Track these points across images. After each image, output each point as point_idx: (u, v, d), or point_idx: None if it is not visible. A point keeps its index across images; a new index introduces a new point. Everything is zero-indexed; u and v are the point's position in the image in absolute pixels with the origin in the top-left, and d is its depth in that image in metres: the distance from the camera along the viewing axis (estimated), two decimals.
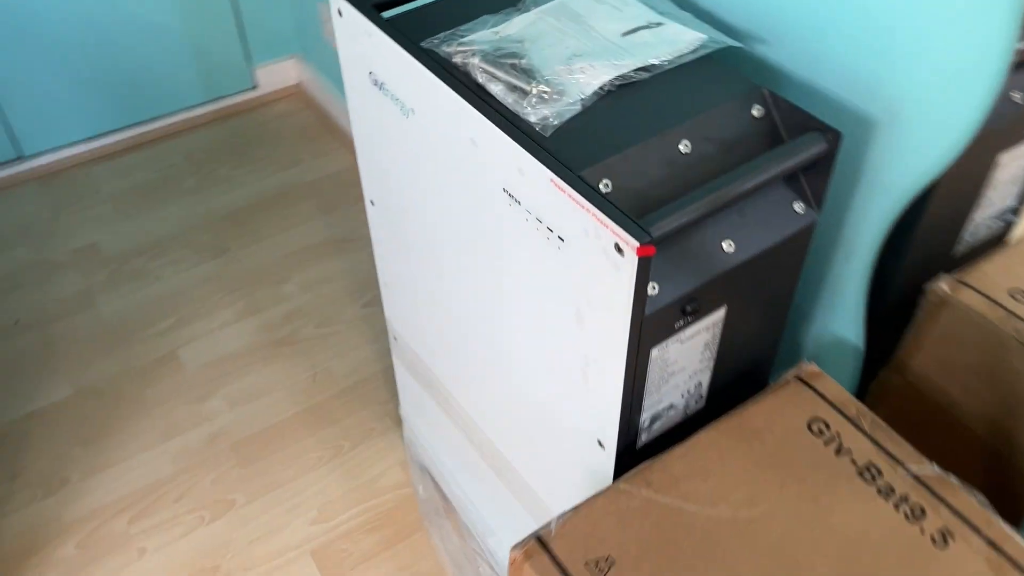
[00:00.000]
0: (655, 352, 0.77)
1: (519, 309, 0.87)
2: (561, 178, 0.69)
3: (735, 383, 0.91)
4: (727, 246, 0.75)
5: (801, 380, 0.86)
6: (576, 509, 0.76)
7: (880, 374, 0.94)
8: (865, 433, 0.80)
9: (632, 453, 0.87)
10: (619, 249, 0.66)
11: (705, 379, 0.87)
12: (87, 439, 1.51)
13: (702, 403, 0.89)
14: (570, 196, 0.68)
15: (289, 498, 1.42)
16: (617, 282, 0.69)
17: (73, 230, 1.86)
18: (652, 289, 0.71)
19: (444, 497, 1.36)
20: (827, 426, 0.81)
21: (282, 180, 1.98)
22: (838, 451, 0.79)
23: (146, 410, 1.55)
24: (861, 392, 0.95)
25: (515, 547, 0.76)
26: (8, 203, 1.93)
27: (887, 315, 0.90)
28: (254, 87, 2.16)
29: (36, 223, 1.88)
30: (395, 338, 1.27)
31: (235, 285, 1.74)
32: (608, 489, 0.78)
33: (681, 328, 0.76)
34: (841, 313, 0.94)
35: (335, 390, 1.55)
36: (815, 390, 0.85)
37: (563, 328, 0.81)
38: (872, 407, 0.83)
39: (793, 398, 0.84)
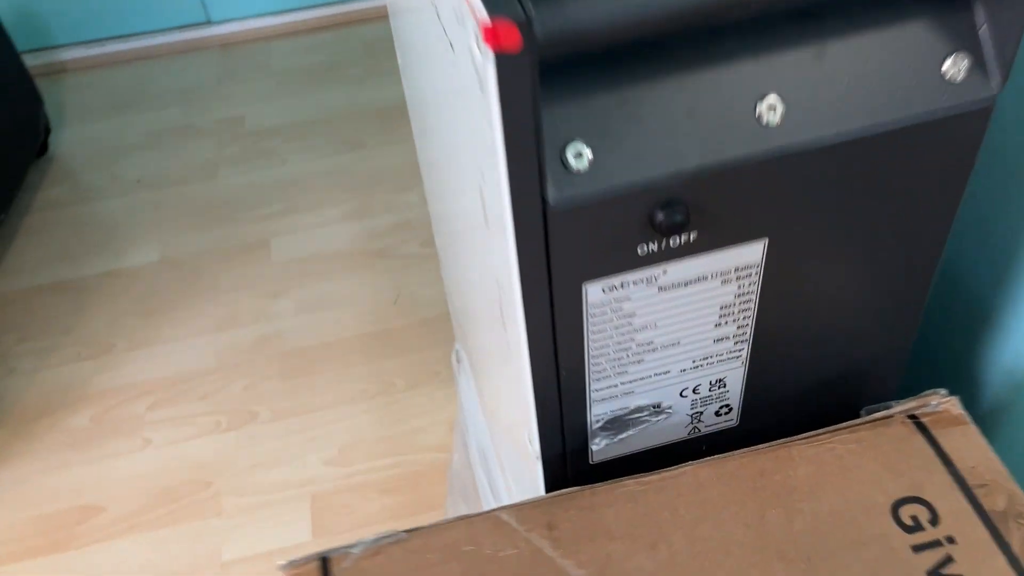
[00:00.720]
0: (594, 292, 0.42)
1: (460, 192, 0.55)
2: None
3: (795, 397, 0.53)
4: (769, 110, 0.39)
5: (917, 423, 0.47)
6: (403, 538, 0.44)
7: None
8: (1010, 555, 0.40)
9: (578, 469, 0.52)
10: (479, 44, 0.33)
11: (731, 374, 0.50)
12: (149, 310, 1.38)
13: (731, 419, 0.53)
14: None
15: (314, 427, 1.19)
16: (484, 113, 0.35)
17: (228, 100, 1.75)
18: (575, 155, 0.37)
19: (473, 477, 1.06)
20: (934, 518, 0.42)
21: None
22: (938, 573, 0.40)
23: (216, 294, 1.39)
24: None
25: (292, 563, 0.45)
26: (183, 66, 1.85)
27: None
28: None
29: (199, 88, 1.79)
30: None
31: (356, 183, 1.52)
32: (466, 519, 0.46)
33: (655, 256, 0.41)
34: None
35: (412, 319, 1.29)
36: (937, 447, 0.46)
37: (474, 223, 0.49)
38: None
39: (891, 450, 0.46)
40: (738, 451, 0.49)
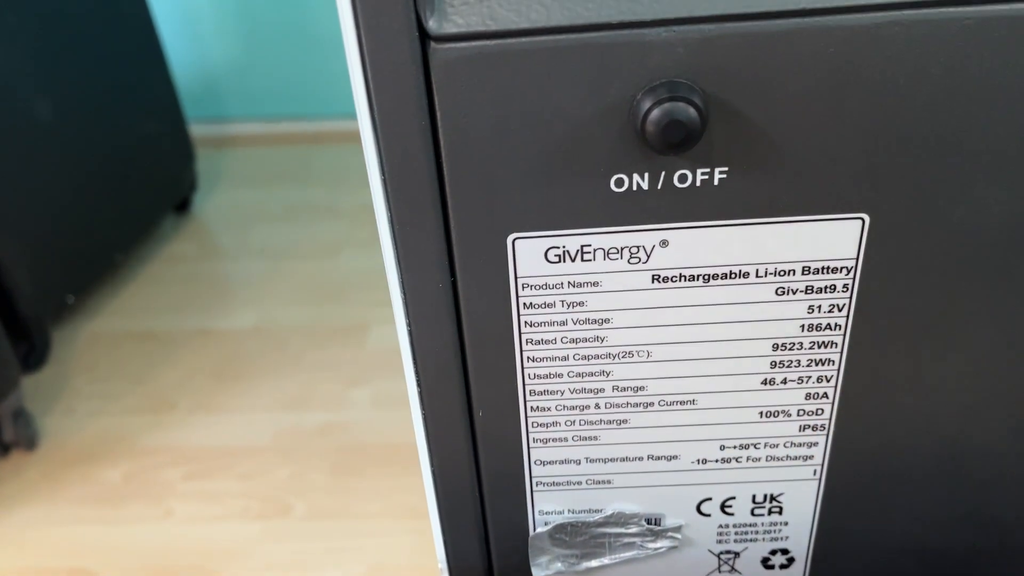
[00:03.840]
0: (529, 255, 0.22)
1: None
2: None
3: (913, 558, 0.30)
4: None
5: None
6: None
7: None
8: None
9: None
10: None
11: (794, 489, 0.28)
12: (224, 375, 1.28)
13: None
14: None
15: (348, 537, 1.02)
16: None
17: None
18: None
19: None
20: None
21: None
22: None
23: (296, 371, 1.28)
24: None
25: None
26: (342, 152, 1.85)
27: None
28: None
29: (351, 174, 1.76)
30: None
31: None
32: None
33: (646, 204, 0.21)
34: None
35: None
36: None
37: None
38: None
39: None
40: None
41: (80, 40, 1.30)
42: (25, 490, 1.14)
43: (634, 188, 0.23)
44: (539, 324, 0.25)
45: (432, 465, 0.29)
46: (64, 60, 1.27)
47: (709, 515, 0.29)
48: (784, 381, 0.26)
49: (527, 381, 0.27)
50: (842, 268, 0.24)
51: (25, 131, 1.19)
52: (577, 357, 0.26)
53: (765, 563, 0.30)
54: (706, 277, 0.24)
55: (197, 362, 1.32)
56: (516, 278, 0.24)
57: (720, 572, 0.30)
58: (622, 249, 0.24)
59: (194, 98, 1.77)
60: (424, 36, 0.22)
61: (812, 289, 0.25)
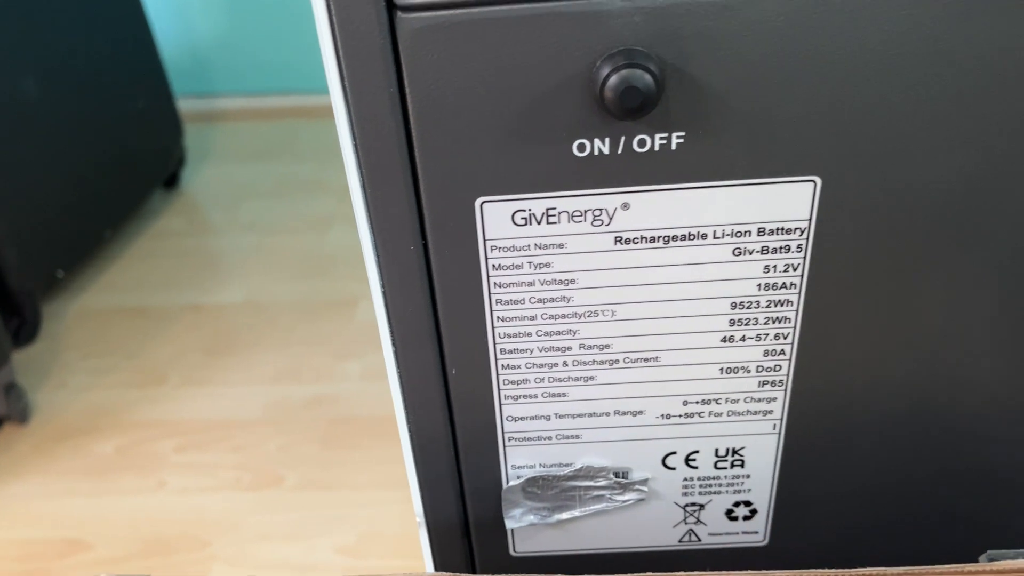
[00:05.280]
0: (497, 218, 0.24)
1: None
2: None
3: (869, 509, 0.31)
4: None
5: None
6: None
7: None
8: None
9: (492, 560, 0.33)
10: None
11: (755, 443, 0.29)
12: (214, 349, 1.29)
13: (756, 532, 0.31)
14: None
15: (338, 506, 1.03)
16: None
17: None
18: None
19: None
20: None
21: None
22: None
23: (286, 345, 1.29)
24: None
25: None
26: (331, 127, 1.85)
27: None
28: None
29: (339, 149, 1.76)
30: None
31: None
32: None
33: (608, 168, 0.23)
34: None
35: None
36: None
37: None
38: None
39: None
40: (730, 573, 0.27)
41: (67, 16, 1.30)
42: (18, 463, 1.15)
43: (595, 153, 0.24)
44: (508, 285, 0.26)
45: (408, 422, 0.30)
46: (51, 36, 1.27)
47: (674, 468, 0.30)
48: (743, 339, 0.27)
49: (498, 340, 0.28)
50: (796, 229, 0.25)
51: (12, 107, 1.19)
52: (545, 317, 0.27)
53: (729, 515, 0.32)
54: (666, 238, 0.26)
55: (188, 337, 1.33)
56: (485, 240, 0.25)
57: (686, 523, 0.32)
58: (585, 212, 0.25)
59: (182, 73, 1.76)
60: (391, 6, 0.23)
61: (768, 250, 0.26)
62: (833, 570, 0.26)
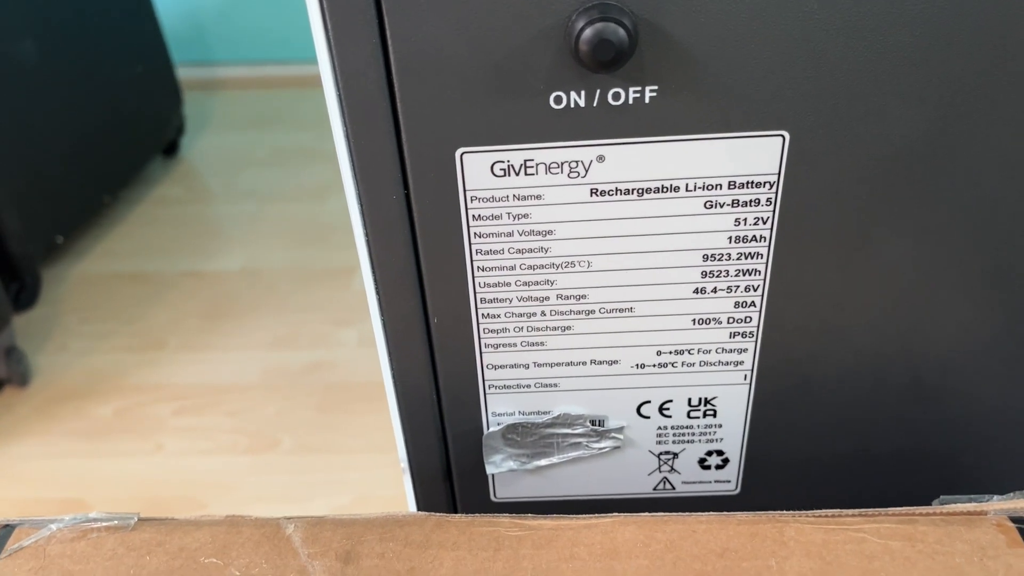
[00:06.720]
0: (477, 169, 0.25)
1: None
2: None
3: (833, 456, 0.32)
4: None
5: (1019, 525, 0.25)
6: (127, 526, 0.29)
7: None
8: None
9: (474, 505, 0.34)
10: None
11: (727, 393, 0.30)
12: (212, 315, 1.30)
13: (728, 480, 0.33)
14: None
15: (334, 469, 1.05)
16: None
17: None
18: None
19: None
20: None
21: None
22: None
23: (283, 312, 1.30)
24: None
25: None
26: None
27: None
28: None
29: None
30: None
31: None
32: (234, 521, 0.30)
33: (585, 120, 0.24)
34: None
35: None
36: None
37: None
38: None
39: (972, 564, 0.24)
40: (699, 514, 0.29)
41: None
42: (18, 425, 1.16)
43: (571, 105, 0.25)
44: (487, 235, 0.27)
45: (392, 369, 0.31)
46: (50, 2, 1.27)
47: (648, 417, 0.31)
48: (714, 290, 0.28)
49: (478, 289, 0.29)
50: (765, 183, 0.26)
51: (12, 73, 1.19)
52: (523, 267, 0.28)
53: (702, 463, 0.33)
54: (640, 191, 0.26)
55: (186, 302, 1.34)
56: (465, 191, 0.26)
57: (660, 472, 0.33)
58: (562, 164, 0.26)
59: (182, 41, 1.76)
60: None
61: (738, 203, 0.27)
62: (793, 512, 0.28)
